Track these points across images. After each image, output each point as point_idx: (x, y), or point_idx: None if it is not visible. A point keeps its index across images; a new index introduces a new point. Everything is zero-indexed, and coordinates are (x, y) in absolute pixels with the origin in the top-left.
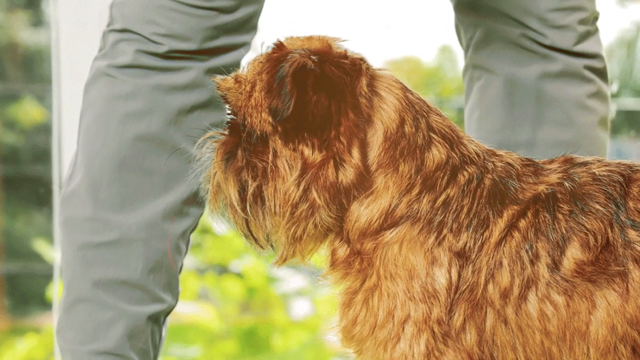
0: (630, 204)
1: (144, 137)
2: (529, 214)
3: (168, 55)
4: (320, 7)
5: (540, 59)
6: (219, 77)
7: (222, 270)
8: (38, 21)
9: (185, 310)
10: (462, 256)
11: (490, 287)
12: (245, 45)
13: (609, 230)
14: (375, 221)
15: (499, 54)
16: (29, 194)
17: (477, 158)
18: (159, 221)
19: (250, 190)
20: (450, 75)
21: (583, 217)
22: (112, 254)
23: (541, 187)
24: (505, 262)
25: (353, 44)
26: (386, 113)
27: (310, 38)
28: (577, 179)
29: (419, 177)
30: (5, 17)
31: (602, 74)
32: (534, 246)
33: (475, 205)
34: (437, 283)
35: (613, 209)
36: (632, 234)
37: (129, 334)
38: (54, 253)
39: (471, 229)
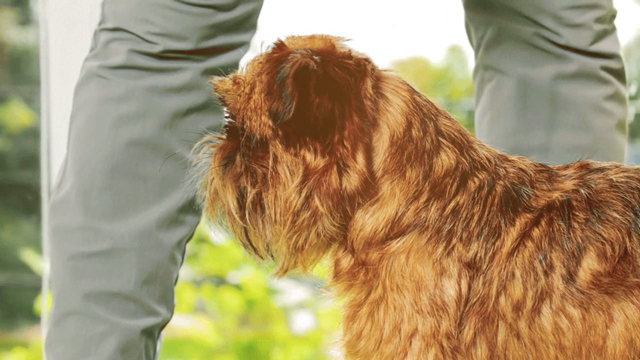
0: None
1: (137, 141)
2: (543, 223)
3: (163, 56)
4: (323, 5)
5: (555, 59)
6: (216, 79)
7: (220, 281)
8: (26, 19)
9: (181, 323)
10: (472, 267)
11: (502, 299)
12: (244, 44)
13: (627, 239)
14: (381, 230)
15: (511, 54)
16: (16, 202)
17: (488, 164)
18: (153, 230)
19: (250, 197)
20: (460, 76)
21: (600, 226)
22: (103, 265)
23: (556, 194)
24: (517, 273)
25: (357, 44)
26: (392, 116)
27: (312, 37)
28: (593, 185)
29: (427, 183)
30: None
31: (619, 75)
32: (548, 256)
33: (486, 213)
34: (446, 295)
35: (631, 217)
36: None
37: (121, 348)
38: (42, 264)
39: (482, 238)
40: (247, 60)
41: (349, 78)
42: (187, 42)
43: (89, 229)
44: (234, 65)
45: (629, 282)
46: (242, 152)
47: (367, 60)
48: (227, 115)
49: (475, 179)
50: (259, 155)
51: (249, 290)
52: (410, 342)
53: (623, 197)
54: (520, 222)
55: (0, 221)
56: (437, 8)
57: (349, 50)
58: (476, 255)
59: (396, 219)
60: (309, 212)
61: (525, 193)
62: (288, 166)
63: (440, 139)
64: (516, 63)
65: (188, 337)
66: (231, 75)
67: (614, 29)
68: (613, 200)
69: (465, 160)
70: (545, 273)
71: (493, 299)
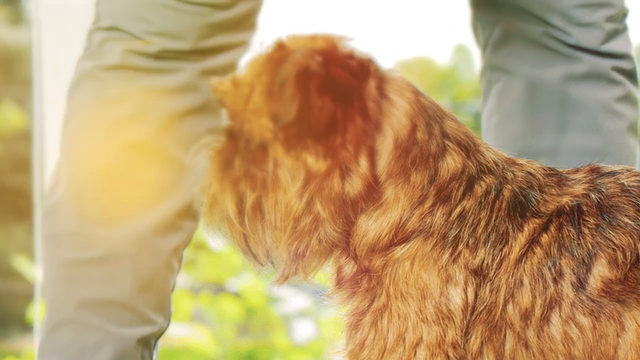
0: None
1: (133, 144)
2: (552, 228)
3: (159, 56)
4: (325, 4)
5: (564, 59)
6: (214, 80)
7: (218, 289)
8: (18, 19)
9: (179, 332)
10: (479, 274)
11: (509, 307)
12: (243, 44)
13: (639, 245)
14: (385, 236)
15: (519, 54)
16: (7, 207)
17: (495, 167)
18: (150, 236)
19: (249, 202)
20: (466, 77)
21: (611, 232)
22: (98, 272)
23: (565, 199)
24: (526, 280)
25: (360, 44)
26: (397, 118)
27: (314, 37)
28: (604, 190)
29: (432, 188)
30: None
31: (631, 75)
32: (558, 263)
33: (493, 218)
34: (452, 303)
35: None
36: None
37: (117, 358)
38: (35, 271)
39: (489, 244)
40: (247, 60)
41: (352, 79)
42: (185, 41)
43: (83, 235)
44: (233, 66)
45: None
46: (241, 156)
47: (370, 60)
48: (225, 117)
49: (482, 183)
50: (258, 158)
51: (249, 298)
52: (415, 352)
53: (635, 202)
54: (528, 228)
55: None
56: (442, 6)
57: (352, 51)
58: (483, 262)
59: (400, 225)
60: (311, 218)
61: (534, 198)
62: (289, 170)
63: (446, 141)
64: (524, 63)
65: (185, 346)
66: (230, 76)
67: (625, 28)
68: (624, 205)
69: (471, 164)
70: (555, 280)
71: (500, 307)
